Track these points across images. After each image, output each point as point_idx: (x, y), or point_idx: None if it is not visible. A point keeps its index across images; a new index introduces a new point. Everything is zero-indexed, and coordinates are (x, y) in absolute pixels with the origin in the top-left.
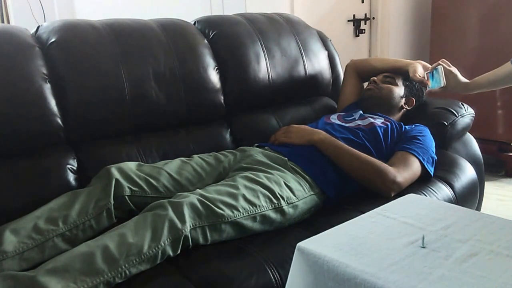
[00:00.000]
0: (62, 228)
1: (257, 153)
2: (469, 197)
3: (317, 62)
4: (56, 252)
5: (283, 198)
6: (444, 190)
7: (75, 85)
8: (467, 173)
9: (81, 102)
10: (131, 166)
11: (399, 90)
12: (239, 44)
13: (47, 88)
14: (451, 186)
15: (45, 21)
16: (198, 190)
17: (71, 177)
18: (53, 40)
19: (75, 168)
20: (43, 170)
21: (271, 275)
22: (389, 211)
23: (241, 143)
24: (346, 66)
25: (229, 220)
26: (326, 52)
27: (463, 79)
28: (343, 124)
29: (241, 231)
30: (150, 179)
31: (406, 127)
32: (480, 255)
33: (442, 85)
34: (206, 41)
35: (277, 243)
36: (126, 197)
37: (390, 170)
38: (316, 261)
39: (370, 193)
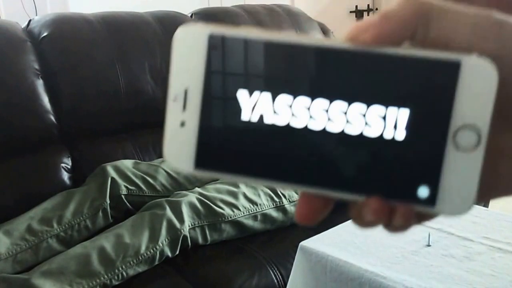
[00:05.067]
0: (57, 229)
1: None
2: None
3: None
4: (51, 254)
5: (284, 196)
6: None
7: (69, 81)
8: None
9: (75, 98)
10: (127, 164)
11: None
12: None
13: (40, 84)
14: None
15: (36, 15)
16: (197, 189)
17: (65, 176)
18: (45, 34)
19: (69, 166)
20: (36, 169)
21: (272, 275)
22: None
23: None
24: None
25: (229, 219)
26: None
27: None
28: None
29: (242, 230)
30: (147, 177)
31: None
32: (488, 253)
33: None
34: None
35: (278, 242)
36: (123, 196)
37: None
38: (319, 260)
39: None
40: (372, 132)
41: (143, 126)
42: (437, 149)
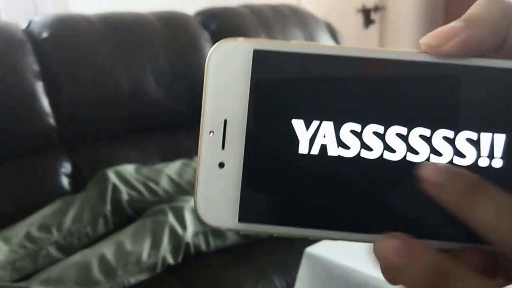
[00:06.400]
0: (56, 236)
1: None
2: None
3: None
4: (50, 262)
5: None
6: None
7: (69, 83)
8: None
9: (75, 101)
10: (129, 169)
11: None
12: (242, 37)
13: (39, 86)
14: None
15: (37, 16)
16: None
17: (65, 181)
18: (45, 35)
19: (69, 171)
20: (35, 174)
21: (277, 282)
22: None
23: None
24: None
25: None
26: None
27: None
28: None
29: (246, 236)
30: (149, 182)
31: None
32: None
33: None
34: (207, 34)
35: (284, 248)
36: (124, 202)
37: None
38: (325, 267)
39: None
40: (464, 162)
41: (146, 130)
42: None
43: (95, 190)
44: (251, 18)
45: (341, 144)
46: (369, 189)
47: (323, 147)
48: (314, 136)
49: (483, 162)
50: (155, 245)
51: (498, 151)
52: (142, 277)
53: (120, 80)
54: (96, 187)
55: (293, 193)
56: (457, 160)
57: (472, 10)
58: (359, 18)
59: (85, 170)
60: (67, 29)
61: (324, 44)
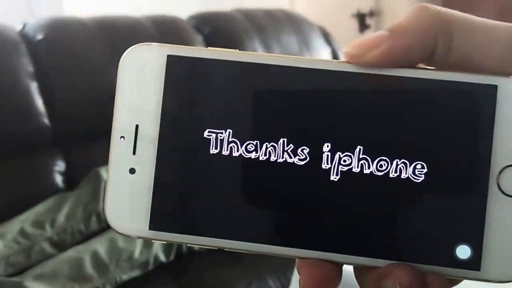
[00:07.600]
0: (50, 232)
1: None
2: None
3: None
4: (44, 257)
5: None
6: None
7: (63, 83)
8: None
9: (69, 101)
10: None
11: None
12: (236, 41)
13: (34, 86)
14: None
15: (31, 18)
16: None
17: (58, 179)
18: (40, 37)
19: (63, 169)
20: (29, 172)
21: (271, 284)
22: None
23: None
24: None
25: None
26: (330, 49)
27: None
28: None
29: None
30: None
31: None
32: None
33: None
34: (201, 38)
35: None
36: None
37: None
38: None
39: None
40: (391, 179)
41: None
42: (477, 196)
43: (88, 188)
44: (244, 22)
45: (252, 150)
46: (283, 196)
47: (235, 155)
48: (226, 143)
49: (413, 179)
50: (147, 242)
51: (429, 167)
52: (134, 273)
53: (113, 81)
54: (89, 185)
55: (204, 202)
56: (384, 176)
57: (401, 19)
58: (354, 23)
59: (79, 168)
60: (61, 31)
61: (241, 51)
